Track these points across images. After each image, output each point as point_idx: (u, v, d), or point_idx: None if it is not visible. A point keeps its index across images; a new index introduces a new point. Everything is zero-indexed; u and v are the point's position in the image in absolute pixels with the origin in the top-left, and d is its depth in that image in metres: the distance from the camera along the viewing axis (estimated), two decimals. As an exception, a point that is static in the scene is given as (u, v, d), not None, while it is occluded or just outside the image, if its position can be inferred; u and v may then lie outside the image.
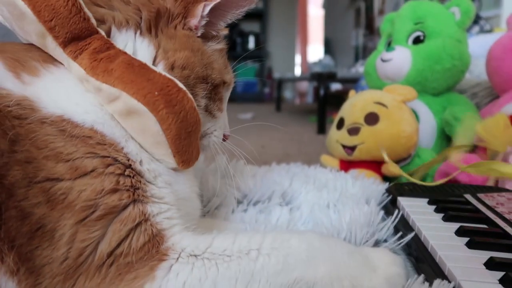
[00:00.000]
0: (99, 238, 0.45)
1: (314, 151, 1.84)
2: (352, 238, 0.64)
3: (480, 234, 0.56)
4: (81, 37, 0.50)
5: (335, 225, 0.70)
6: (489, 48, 1.10)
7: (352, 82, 3.03)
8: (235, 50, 5.66)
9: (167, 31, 0.54)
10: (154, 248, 0.47)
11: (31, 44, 0.52)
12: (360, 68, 3.35)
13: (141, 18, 0.53)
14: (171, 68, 0.52)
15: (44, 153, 0.45)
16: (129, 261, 0.45)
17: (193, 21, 0.56)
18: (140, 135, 0.50)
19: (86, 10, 0.50)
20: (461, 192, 0.74)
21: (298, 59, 6.75)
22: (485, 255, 0.50)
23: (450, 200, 0.71)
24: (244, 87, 5.75)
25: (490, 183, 0.87)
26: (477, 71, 1.51)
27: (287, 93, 6.53)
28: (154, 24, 0.53)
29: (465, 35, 1.18)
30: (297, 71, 6.69)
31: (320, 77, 2.91)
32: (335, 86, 4.78)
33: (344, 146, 1.06)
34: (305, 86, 6.39)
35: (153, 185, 0.50)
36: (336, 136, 1.09)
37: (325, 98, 2.75)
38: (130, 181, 0.48)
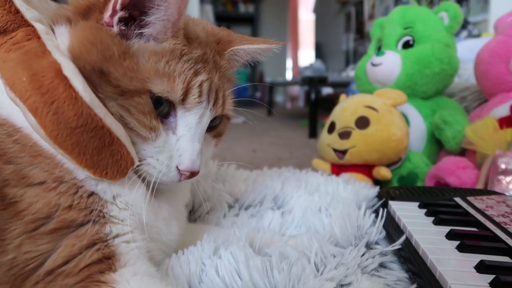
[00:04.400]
0: (48, 253, 0.43)
1: (305, 155, 1.84)
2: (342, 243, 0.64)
3: (470, 237, 0.57)
4: (7, 30, 0.47)
5: (328, 229, 0.70)
6: (477, 53, 1.11)
7: (343, 86, 3.05)
8: (226, 55, 5.65)
9: (78, 24, 0.49)
10: (98, 275, 0.43)
11: None
12: (350, 72, 3.37)
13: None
14: (72, 59, 0.46)
15: None
16: (66, 283, 0.43)
17: (106, 15, 0.48)
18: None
19: (17, 2, 0.47)
20: (451, 196, 0.75)
21: (289, 63, 6.78)
22: (476, 258, 0.51)
23: (441, 204, 0.71)
24: (236, 92, 5.73)
25: (480, 186, 0.88)
26: (466, 75, 1.53)
27: (279, 98, 6.55)
28: (76, 19, 0.49)
29: (454, 39, 1.19)
30: (289, 76, 6.72)
31: (311, 81, 2.93)
32: (326, 90, 4.81)
33: (335, 150, 1.06)
34: (296, 90, 6.41)
35: (114, 205, 0.48)
36: (327, 140, 1.09)
37: (316, 102, 2.76)
38: (86, 201, 0.46)
